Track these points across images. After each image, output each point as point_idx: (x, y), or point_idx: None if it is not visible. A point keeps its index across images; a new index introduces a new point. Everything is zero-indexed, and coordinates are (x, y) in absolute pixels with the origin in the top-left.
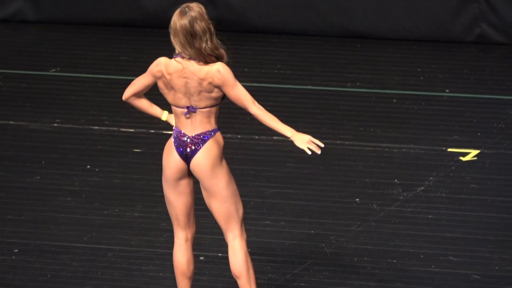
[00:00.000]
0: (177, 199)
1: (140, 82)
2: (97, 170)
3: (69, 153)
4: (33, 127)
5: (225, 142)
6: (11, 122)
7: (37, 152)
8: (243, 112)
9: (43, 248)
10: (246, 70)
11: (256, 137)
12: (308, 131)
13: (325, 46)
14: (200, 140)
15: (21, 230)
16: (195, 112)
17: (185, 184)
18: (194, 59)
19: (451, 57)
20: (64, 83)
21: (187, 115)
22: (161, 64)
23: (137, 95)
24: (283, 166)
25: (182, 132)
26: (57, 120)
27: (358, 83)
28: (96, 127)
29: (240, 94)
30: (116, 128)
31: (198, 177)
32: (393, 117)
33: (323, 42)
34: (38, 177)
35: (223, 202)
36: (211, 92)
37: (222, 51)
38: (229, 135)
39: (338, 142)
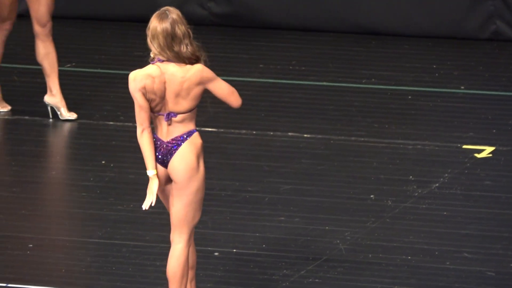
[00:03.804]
0: (166, 203)
1: (140, 108)
2: (112, 165)
3: (84, 148)
4: (47, 123)
5: (240, 138)
6: (26, 117)
7: (52, 147)
8: (258, 108)
9: (57, 243)
10: (261, 66)
11: (271, 133)
12: (323, 127)
13: (340, 43)
14: (175, 144)
15: (35, 225)
16: (175, 117)
17: (171, 188)
18: (172, 61)
19: (466, 54)
20: (79, 78)
21: (168, 121)
22: (136, 79)
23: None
24: (298, 162)
25: (158, 137)
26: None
27: (373, 80)
28: (111, 123)
29: (222, 86)
30: (131, 124)
31: (173, 180)
32: (408, 113)
33: (338, 38)
34: (53, 172)
35: (186, 206)
36: (190, 93)
37: (200, 54)
38: (244, 131)
39: (353, 138)
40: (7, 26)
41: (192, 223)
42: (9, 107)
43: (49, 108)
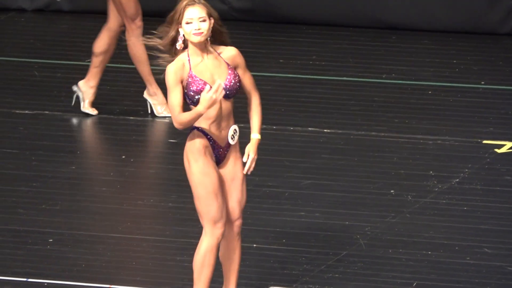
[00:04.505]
0: None
1: None
2: (132, 160)
3: (104, 143)
4: (68, 117)
5: (260, 133)
6: (46, 112)
7: (72, 142)
8: (278, 103)
9: (78, 238)
10: (281, 61)
11: (291, 128)
12: (343, 122)
13: (360, 38)
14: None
15: (55, 220)
16: None
17: None
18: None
19: (486, 49)
20: None
21: None
22: None
23: None
24: (318, 157)
25: None
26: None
27: (393, 75)
28: (131, 117)
29: None
30: (151, 118)
31: None
32: (428, 108)
33: (358, 33)
34: (73, 167)
35: (194, 199)
36: None
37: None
38: (264, 126)
39: (373, 133)
40: (138, 23)
41: (207, 216)
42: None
43: (75, 95)
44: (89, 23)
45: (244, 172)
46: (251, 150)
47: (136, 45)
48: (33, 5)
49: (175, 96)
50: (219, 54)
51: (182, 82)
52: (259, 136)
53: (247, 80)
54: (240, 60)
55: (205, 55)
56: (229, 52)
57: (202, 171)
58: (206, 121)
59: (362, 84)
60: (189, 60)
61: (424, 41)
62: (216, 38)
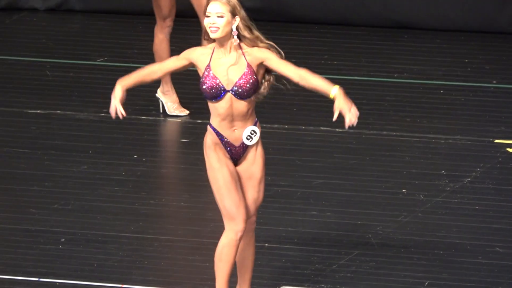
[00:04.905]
0: None
1: None
2: (144, 160)
3: (116, 142)
4: (80, 117)
5: (272, 133)
6: (58, 112)
7: (84, 141)
8: (290, 103)
9: (90, 238)
10: (293, 60)
11: (303, 127)
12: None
13: (372, 37)
14: None
15: (67, 219)
16: None
17: None
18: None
19: (498, 48)
20: (110, 73)
21: None
22: None
23: None
24: (330, 156)
25: None
26: (104, 110)
27: (405, 74)
28: (143, 117)
29: None
30: (163, 118)
31: None
32: (439, 108)
33: (370, 32)
34: (85, 167)
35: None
36: None
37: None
38: (276, 125)
39: (385, 133)
40: (168, 23)
41: (222, 211)
42: (187, 112)
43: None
44: (101, 22)
45: (346, 126)
46: (337, 106)
47: (162, 42)
48: (45, 4)
49: (171, 62)
50: (244, 54)
51: (191, 64)
52: (337, 89)
53: (284, 68)
54: (263, 54)
55: (227, 52)
56: (252, 52)
57: (211, 166)
58: (216, 119)
59: (374, 83)
60: (213, 52)
61: (436, 40)
62: (243, 39)
